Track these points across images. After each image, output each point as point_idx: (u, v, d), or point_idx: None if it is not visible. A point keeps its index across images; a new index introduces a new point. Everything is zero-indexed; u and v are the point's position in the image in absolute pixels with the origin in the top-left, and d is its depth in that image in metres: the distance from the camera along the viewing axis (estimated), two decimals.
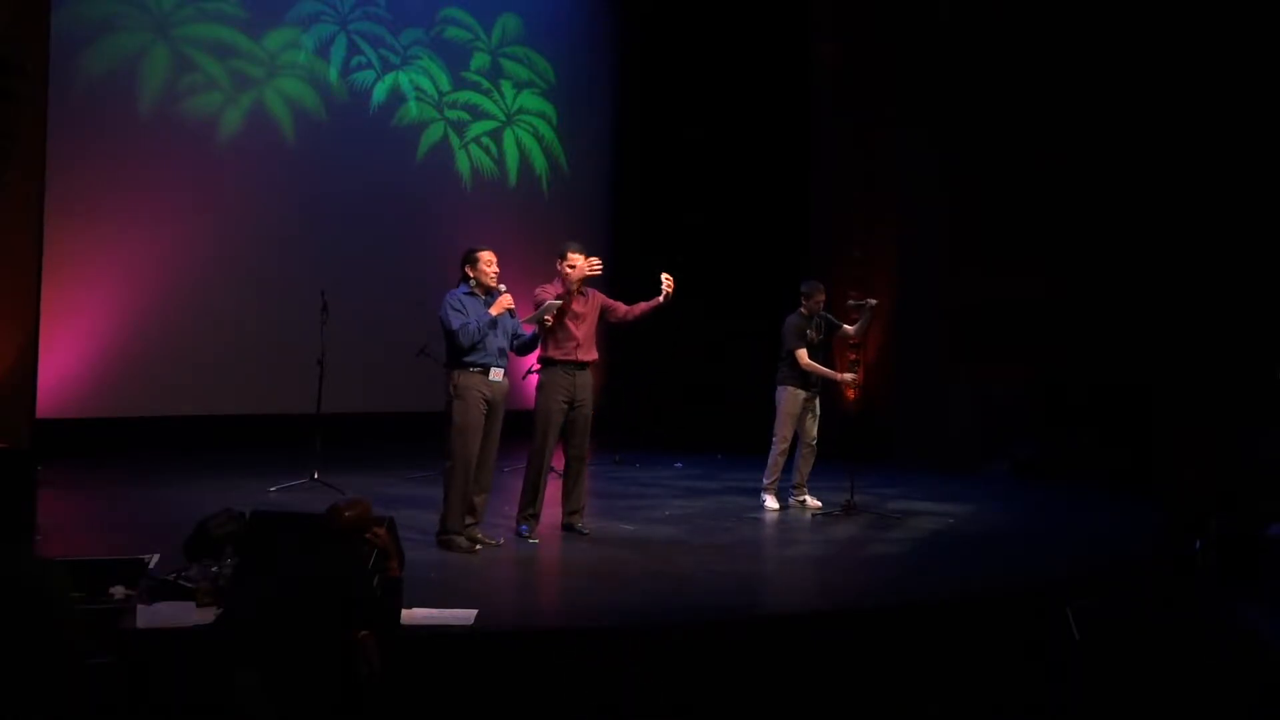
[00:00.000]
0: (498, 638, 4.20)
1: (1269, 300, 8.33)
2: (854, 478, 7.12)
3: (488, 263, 5.74)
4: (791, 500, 7.37)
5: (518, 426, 6.27)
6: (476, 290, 5.73)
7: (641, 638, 4.38)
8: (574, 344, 6.04)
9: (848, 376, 7.37)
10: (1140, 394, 8.86)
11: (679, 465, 9.53)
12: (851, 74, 10.86)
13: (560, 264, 6.10)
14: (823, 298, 7.38)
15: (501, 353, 5.72)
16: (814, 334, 7.33)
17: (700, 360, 11.57)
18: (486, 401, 5.64)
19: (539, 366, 6.20)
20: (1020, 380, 9.68)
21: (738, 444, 9.80)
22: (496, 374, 5.67)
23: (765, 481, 7.33)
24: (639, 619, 4.55)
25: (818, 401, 7.40)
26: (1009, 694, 4.47)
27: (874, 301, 7.36)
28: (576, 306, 6.07)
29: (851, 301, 7.44)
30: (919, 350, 10.27)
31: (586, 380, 6.11)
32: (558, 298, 5.93)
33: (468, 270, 5.76)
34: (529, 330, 5.89)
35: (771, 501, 7.27)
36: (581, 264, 5.99)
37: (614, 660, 4.22)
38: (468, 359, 5.60)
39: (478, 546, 5.64)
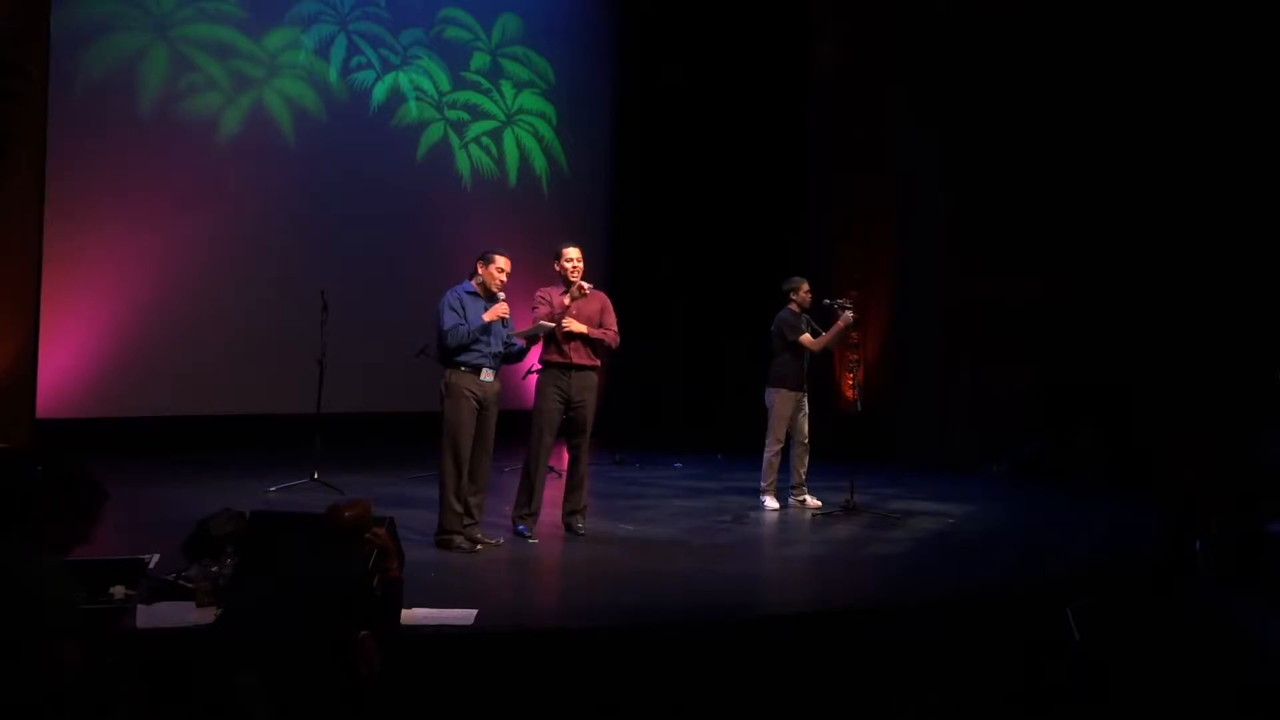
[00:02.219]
0: (497, 638, 4.20)
1: (1268, 300, 8.34)
2: (854, 477, 7.12)
3: (499, 269, 5.72)
4: (791, 500, 7.37)
5: (520, 427, 6.28)
6: (479, 291, 5.73)
7: (641, 638, 4.38)
8: (570, 346, 6.04)
9: (848, 314, 7.26)
10: (1140, 394, 8.87)
11: (679, 465, 9.53)
12: (851, 72, 10.87)
13: (557, 264, 6.12)
14: (808, 291, 7.41)
15: (495, 354, 5.72)
16: (803, 328, 7.36)
17: (700, 360, 11.58)
18: (477, 401, 5.63)
19: (539, 367, 6.21)
20: (1020, 380, 9.68)
21: (738, 444, 9.82)
22: (487, 375, 5.67)
23: (763, 484, 7.34)
24: (639, 619, 4.54)
25: (806, 399, 7.41)
26: (1009, 694, 4.46)
27: (843, 301, 7.38)
28: (573, 309, 6.07)
29: (827, 301, 7.43)
30: (919, 350, 10.28)
31: (585, 382, 6.10)
32: (549, 317, 5.94)
33: (479, 268, 5.75)
34: (519, 342, 5.89)
35: (771, 501, 7.27)
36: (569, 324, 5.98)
37: (614, 660, 4.22)
38: (460, 358, 5.60)
39: (478, 546, 5.64)
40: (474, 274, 5.79)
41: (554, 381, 6.05)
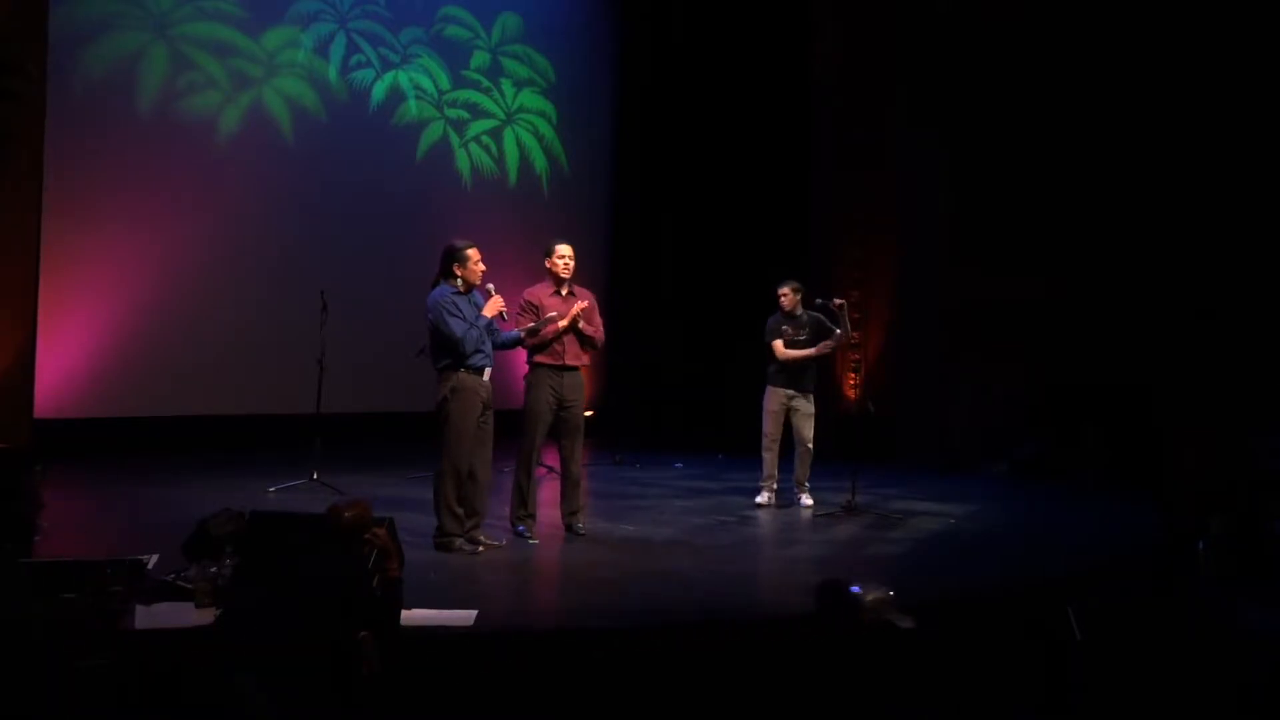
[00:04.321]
0: (497, 638, 4.19)
1: (1270, 298, 8.33)
2: (855, 477, 7.11)
3: (476, 261, 5.67)
4: (790, 499, 7.38)
5: (515, 427, 6.26)
6: (461, 288, 5.68)
7: (642, 638, 4.37)
8: (561, 348, 6.03)
9: (829, 344, 7.31)
10: (1141, 393, 8.85)
11: (679, 465, 9.50)
12: (851, 72, 10.85)
13: (548, 260, 6.10)
14: (788, 295, 7.37)
15: (491, 352, 5.70)
16: (792, 331, 7.34)
17: (701, 360, 11.56)
18: (482, 402, 5.62)
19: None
20: (1021, 380, 9.67)
21: (738, 444, 9.78)
22: (489, 374, 5.67)
23: (761, 480, 7.37)
24: (639, 620, 4.54)
25: (810, 400, 7.38)
26: (1010, 694, 4.46)
27: (839, 301, 7.41)
28: (564, 309, 6.05)
29: (819, 301, 7.46)
30: (920, 350, 10.26)
31: (575, 382, 6.11)
32: (554, 327, 5.94)
33: (455, 268, 5.67)
34: (519, 334, 5.89)
35: (760, 497, 7.32)
36: (573, 310, 5.99)
37: (614, 661, 4.21)
38: (469, 361, 5.57)
39: (480, 548, 5.62)
40: (448, 274, 5.67)
41: (547, 382, 6.04)
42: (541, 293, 6.07)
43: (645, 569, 5.43)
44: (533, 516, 6.04)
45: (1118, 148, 9.15)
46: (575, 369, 6.12)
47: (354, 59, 10.30)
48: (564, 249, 6.10)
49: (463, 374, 5.56)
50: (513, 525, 6.04)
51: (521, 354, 6.21)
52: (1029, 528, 7.16)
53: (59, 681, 2.85)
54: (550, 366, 6.04)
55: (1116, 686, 3.93)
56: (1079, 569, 5.86)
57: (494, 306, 5.65)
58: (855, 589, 3.28)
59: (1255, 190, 8.53)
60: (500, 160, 11.35)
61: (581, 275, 6.27)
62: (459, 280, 5.66)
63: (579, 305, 6.01)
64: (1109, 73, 9.22)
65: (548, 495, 6.68)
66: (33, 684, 2.77)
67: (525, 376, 6.16)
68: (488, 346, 5.65)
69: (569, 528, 6.16)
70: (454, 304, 5.59)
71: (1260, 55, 8.52)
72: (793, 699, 4.24)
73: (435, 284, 5.71)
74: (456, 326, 5.52)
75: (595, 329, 6.14)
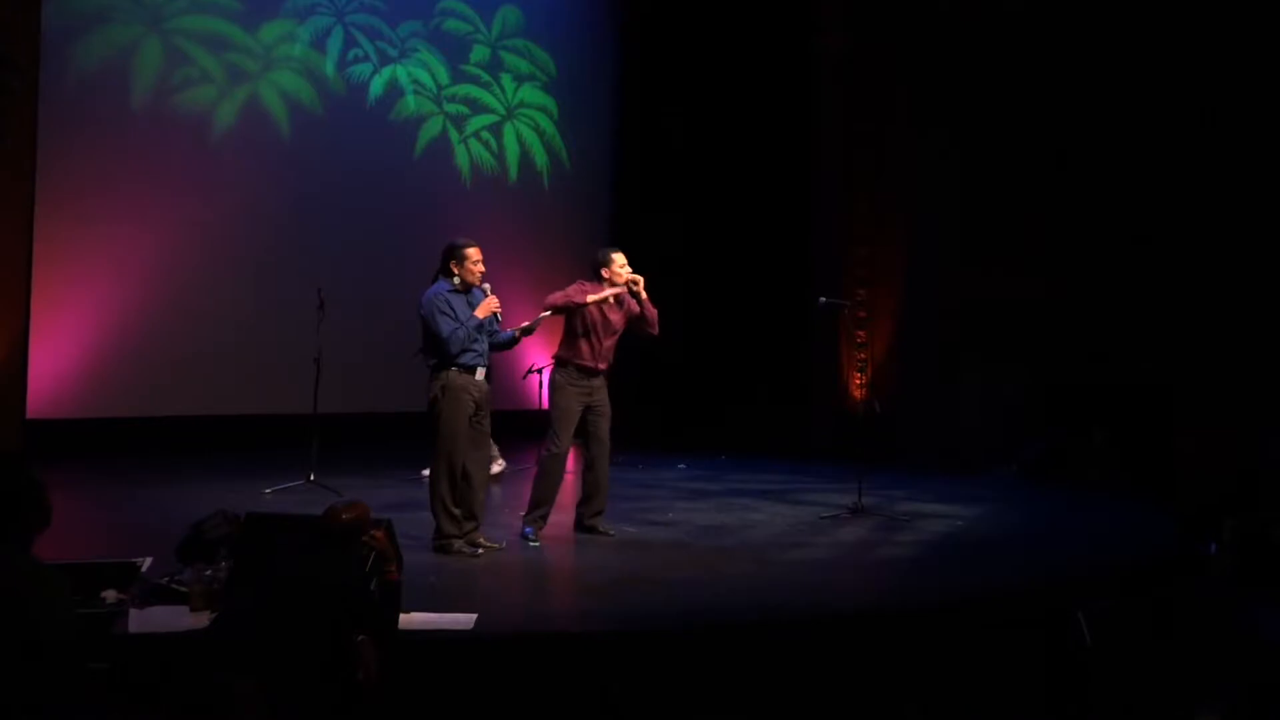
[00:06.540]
0: (497, 642, 4.13)
1: (1277, 296, 8.27)
2: (862, 479, 7.03)
3: (474, 261, 5.57)
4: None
5: (524, 428, 6.17)
6: (459, 287, 5.58)
7: (643, 641, 4.31)
8: (598, 348, 5.95)
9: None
10: (1152, 394, 8.80)
11: (682, 466, 9.42)
12: (855, 69, 10.79)
13: (606, 270, 5.96)
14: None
15: (486, 351, 5.61)
16: None
17: (703, 359, 11.48)
18: (474, 401, 5.52)
19: (548, 366, 6.12)
20: (1029, 380, 9.60)
21: (741, 444, 9.73)
22: (482, 373, 5.57)
23: None
24: (641, 623, 4.47)
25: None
26: (1018, 698, 4.40)
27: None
28: (612, 315, 5.98)
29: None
30: (925, 350, 10.19)
31: (602, 384, 6.05)
32: (566, 303, 5.85)
33: (452, 266, 5.58)
34: (514, 333, 5.80)
35: None
36: (624, 276, 5.90)
37: (615, 664, 4.15)
38: (459, 360, 5.48)
39: (479, 550, 5.53)
40: (446, 272, 5.59)
41: (575, 381, 5.95)
42: (592, 290, 5.96)
43: (647, 571, 5.36)
44: (545, 518, 5.95)
45: (1121, 146, 9.11)
46: (601, 372, 6.02)
47: (351, 53, 10.22)
48: (621, 257, 5.99)
49: (453, 372, 5.46)
50: (524, 525, 5.93)
51: (522, 356, 6.12)
52: (1038, 530, 7.09)
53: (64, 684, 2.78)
54: (579, 367, 5.95)
55: (1126, 691, 3.88)
56: (1089, 572, 5.79)
57: (486, 308, 5.54)
58: None
59: (1258, 188, 8.47)
60: (500, 156, 11.27)
61: (585, 273, 6.17)
62: (455, 279, 5.57)
63: (612, 290, 5.89)
64: (1112, 72, 9.17)
65: (563, 498, 6.57)
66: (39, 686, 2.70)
67: (551, 376, 6.09)
68: (481, 345, 5.55)
69: (593, 530, 6.08)
70: (446, 302, 5.50)
71: (1261, 54, 8.47)
72: (795, 700, 4.19)
73: (434, 280, 5.62)
74: (444, 325, 5.43)
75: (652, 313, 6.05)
